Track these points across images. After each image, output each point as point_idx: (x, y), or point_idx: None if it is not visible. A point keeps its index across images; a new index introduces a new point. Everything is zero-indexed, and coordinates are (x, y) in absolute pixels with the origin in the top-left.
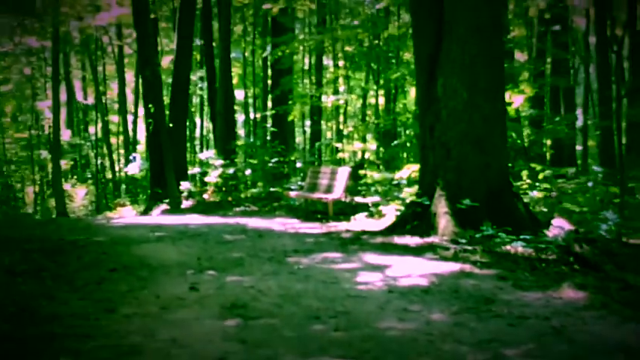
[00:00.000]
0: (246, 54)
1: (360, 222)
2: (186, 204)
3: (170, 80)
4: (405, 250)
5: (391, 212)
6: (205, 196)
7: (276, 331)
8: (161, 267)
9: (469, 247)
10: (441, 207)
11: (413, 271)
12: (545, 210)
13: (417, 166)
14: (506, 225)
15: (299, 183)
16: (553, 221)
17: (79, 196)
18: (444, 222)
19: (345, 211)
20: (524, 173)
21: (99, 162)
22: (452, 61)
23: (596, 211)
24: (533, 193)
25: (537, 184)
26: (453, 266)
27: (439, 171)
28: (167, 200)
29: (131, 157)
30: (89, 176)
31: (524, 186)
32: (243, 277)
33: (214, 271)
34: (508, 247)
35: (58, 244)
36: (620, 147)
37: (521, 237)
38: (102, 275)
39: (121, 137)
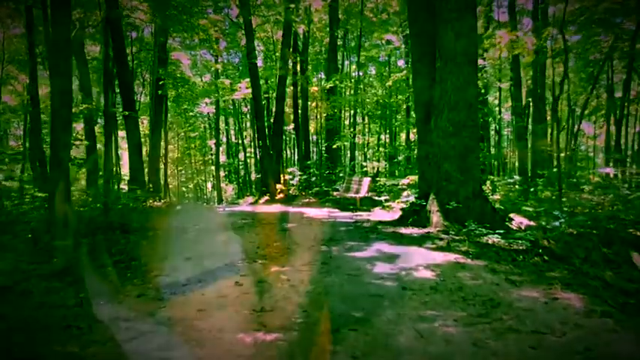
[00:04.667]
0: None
1: (377, 213)
2: (278, 196)
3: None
4: (410, 240)
5: (397, 207)
6: (290, 191)
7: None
8: (225, 256)
9: (457, 238)
10: (433, 207)
11: (418, 261)
12: (502, 207)
13: (414, 177)
14: (477, 219)
15: (340, 185)
16: (512, 216)
17: (229, 190)
18: (436, 217)
19: (367, 204)
20: (488, 182)
21: (242, 173)
22: (441, 107)
23: (548, 211)
24: (494, 196)
25: (492, 188)
26: (449, 256)
27: (433, 182)
28: (268, 194)
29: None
30: (233, 179)
31: (487, 190)
32: (283, 268)
33: (264, 260)
34: (486, 238)
35: (173, 230)
36: (559, 165)
37: (496, 232)
38: (176, 265)
39: (252, 159)
